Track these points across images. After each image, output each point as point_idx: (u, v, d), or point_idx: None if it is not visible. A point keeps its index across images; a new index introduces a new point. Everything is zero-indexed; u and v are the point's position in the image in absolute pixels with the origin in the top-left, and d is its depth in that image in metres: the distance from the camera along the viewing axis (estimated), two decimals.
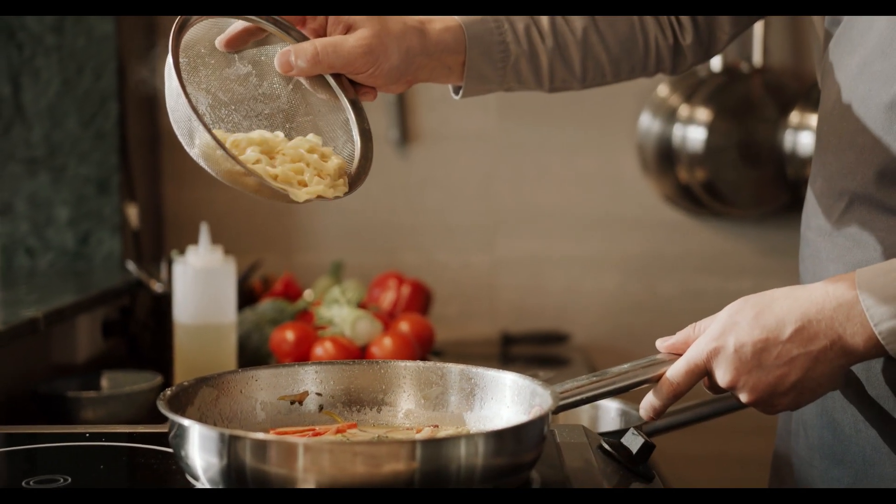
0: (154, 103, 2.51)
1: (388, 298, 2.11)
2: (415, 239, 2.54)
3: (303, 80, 1.13)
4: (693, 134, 2.44)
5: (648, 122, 2.50)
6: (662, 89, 2.49)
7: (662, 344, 1.13)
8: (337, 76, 1.13)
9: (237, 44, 1.10)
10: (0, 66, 2.16)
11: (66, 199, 2.19)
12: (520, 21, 1.21)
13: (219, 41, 1.09)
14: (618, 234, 2.56)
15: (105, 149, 2.20)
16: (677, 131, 2.45)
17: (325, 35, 1.12)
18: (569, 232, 2.56)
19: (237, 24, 1.10)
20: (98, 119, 2.19)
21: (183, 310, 1.72)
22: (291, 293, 2.16)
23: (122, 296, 2.05)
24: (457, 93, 1.24)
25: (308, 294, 2.14)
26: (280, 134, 1.09)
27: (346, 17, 1.11)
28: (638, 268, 2.56)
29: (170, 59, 1.03)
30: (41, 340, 1.80)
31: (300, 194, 1.05)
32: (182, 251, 1.90)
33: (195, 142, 1.02)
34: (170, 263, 1.91)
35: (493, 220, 2.56)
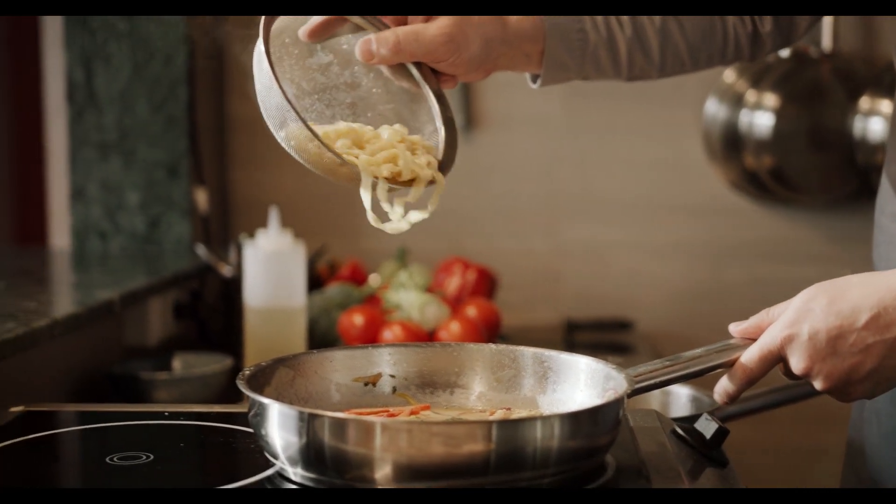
0: (222, 88, 2.54)
1: (453, 284, 2.11)
2: (478, 225, 2.55)
3: (384, 69, 1.14)
4: (760, 120, 2.42)
5: (715, 108, 2.48)
6: (729, 75, 2.46)
7: (735, 328, 1.12)
8: (418, 65, 1.14)
9: (320, 34, 1.11)
10: (73, 52, 2.20)
11: (136, 183, 2.23)
12: None
13: (302, 32, 1.10)
14: (683, 221, 2.54)
15: (175, 133, 2.23)
16: (744, 117, 2.43)
17: (405, 24, 1.13)
18: (633, 218, 2.55)
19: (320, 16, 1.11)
20: (168, 104, 2.22)
21: (253, 293, 1.74)
22: (358, 278, 2.18)
23: (191, 279, 2.08)
24: (534, 81, 1.24)
25: (374, 279, 2.15)
26: (369, 127, 1.09)
27: None
28: (703, 254, 2.55)
29: (261, 47, 1.03)
30: (116, 322, 1.83)
31: (399, 224, 1.07)
32: (250, 235, 1.92)
33: (287, 131, 1.03)
34: (239, 247, 1.93)
35: (557, 205, 2.56)
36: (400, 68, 1.14)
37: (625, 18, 1.21)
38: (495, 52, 1.16)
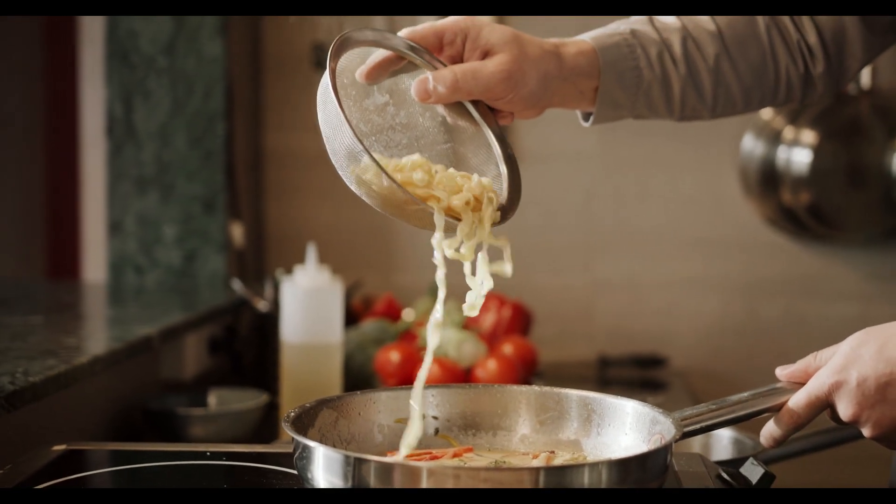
0: (259, 122, 2.55)
1: (488, 320, 2.11)
2: (514, 259, 2.53)
3: (440, 108, 1.13)
4: (798, 156, 2.40)
5: (752, 144, 2.47)
6: (766, 111, 2.46)
7: (783, 372, 1.11)
8: (475, 102, 1.13)
9: (377, 75, 1.10)
10: (113, 87, 2.22)
11: (173, 217, 2.24)
12: (652, 46, 1.20)
13: (359, 73, 1.09)
14: (718, 256, 2.53)
15: (212, 168, 2.24)
16: (781, 153, 2.42)
17: (461, 61, 1.12)
18: (668, 253, 2.54)
19: (378, 54, 1.10)
20: (206, 139, 2.23)
21: (291, 329, 1.74)
22: (392, 313, 2.18)
23: (226, 314, 2.08)
24: (586, 119, 1.23)
25: (408, 314, 2.15)
26: (440, 165, 1.08)
27: (484, 41, 1.11)
28: (739, 290, 2.53)
29: (328, 82, 1.02)
30: (153, 357, 1.84)
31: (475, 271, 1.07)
32: (285, 269, 1.92)
33: (358, 168, 1.01)
34: (275, 282, 1.93)
35: (592, 240, 2.55)
36: (457, 107, 1.13)
37: (679, 56, 1.21)
38: (552, 88, 1.15)
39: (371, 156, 0.99)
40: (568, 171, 2.54)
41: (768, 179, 2.45)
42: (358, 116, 1.06)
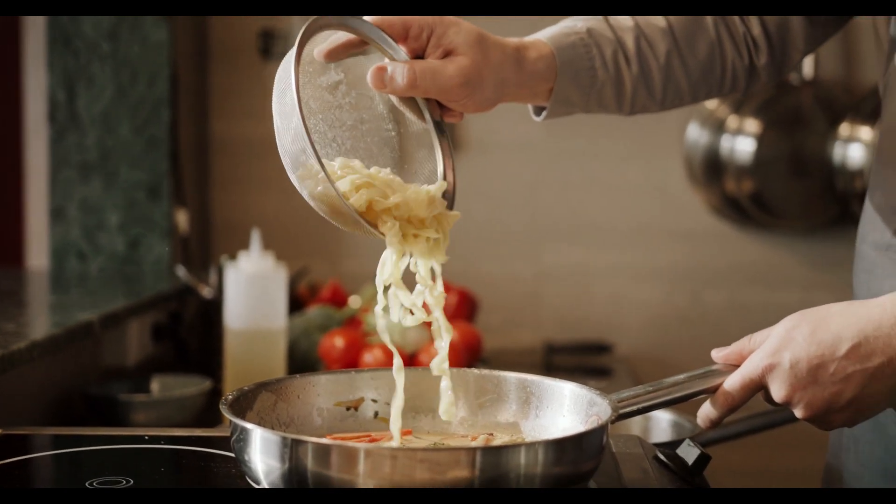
0: (205, 109, 2.54)
1: None
2: (460, 247, 2.54)
3: (393, 97, 1.12)
4: (741, 145, 2.43)
5: (696, 133, 2.49)
6: (711, 101, 2.48)
7: (718, 354, 1.13)
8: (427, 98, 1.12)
9: (338, 55, 1.09)
10: (56, 72, 2.19)
11: (117, 204, 2.22)
12: (608, 46, 1.21)
13: (318, 51, 1.08)
14: (664, 246, 2.55)
15: (156, 155, 2.22)
16: (725, 142, 2.45)
17: (422, 56, 1.11)
18: (614, 242, 2.56)
19: (342, 35, 1.09)
20: (151, 125, 2.21)
21: (234, 315, 1.73)
22: (338, 300, 2.17)
23: (171, 300, 2.07)
24: (538, 114, 1.24)
25: (354, 300, 2.15)
26: (389, 178, 1.06)
27: (448, 41, 1.09)
28: (683, 279, 2.55)
29: (291, 68, 0.99)
30: (94, 343, 1.82)
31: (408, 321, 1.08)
32: (229, 256, 1.91)
33: (303, 171, 1.00)
34: (219, 269, 1.92)
35: (538, 229, 2.57)
36: (408, 98, 1.12)
37: (632, 55, 1.22)
38: (507, 93, 1.15)
39: (326, 174, 0.98)
40: (514, 160, 2.55)
41: (712, 168, 2.47)
42: (310, 93, 1.05)
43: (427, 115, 1.12)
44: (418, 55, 1.11)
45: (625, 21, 1.23)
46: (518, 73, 1.15)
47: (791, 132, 2.43)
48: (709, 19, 1.25)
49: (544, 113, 1.22)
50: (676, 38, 1.24)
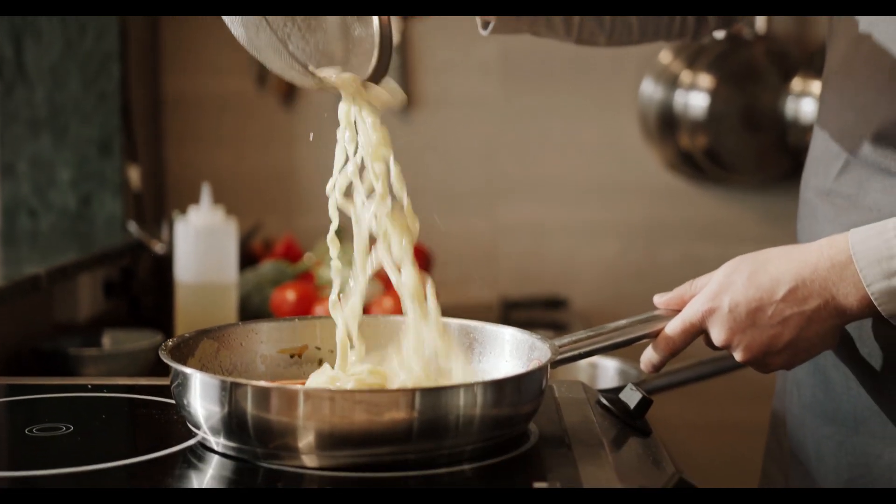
0: (156, 65, 2.51)
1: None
2: (415, 204, 2.53)
3: None
4: (695, 100, 2.44)
5: (651, 89, 2.49)
6: (665, 56, 2.48)
7: (660, 300, 1.14)
8: None
9: None
10: (2, 26, 2.16)
11: (67, 160, 2.20)
12: None
13: None
14: (619, 201, 2.56)
15: (107, 110, 2.20)
16: (679, 98, 2.45)
17: None
18: (570, 198, 2.57)
19: None
20: (100, 80, 2.19)
21: (184, 269, 1.73)
22: (292, 255, 2.17)
23: (123, 256, 2.05)
24: (485, 28, 1.23)
25: (309, 257, 2.14)
26: None
27: None
28: (638, 234, 2.57)
29: None
30: (43, 298, 1.81)
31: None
32: (184, 212, 1.90)
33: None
34: (171, 224, 1.91)
35: (494, 186, 2.57)
36: None
37: None
38: None
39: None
40: (470, 117, 2.55)
41: (667, 124, 2.48)
42: None
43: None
44: None
45: None
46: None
47: (744, 87, 2.44)
48: None
49: (491, 26, 1.22)
50: None
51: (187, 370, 0.95)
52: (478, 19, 1.24)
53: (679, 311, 1.11)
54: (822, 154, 1.20)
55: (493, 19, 1.21)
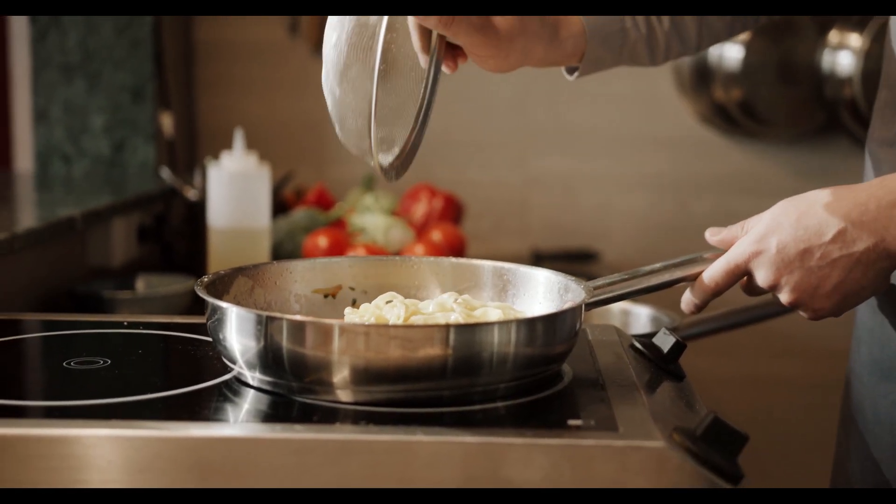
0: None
1: (419, 210, 2.11)
2: (447, 155, 2.54)
3: (412, 27, 1.10)
4: (730, 52, 2.41)
5: None
6: None
7: (713, 238, 1.13)
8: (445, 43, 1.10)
9: None
10: None
11: (101, 106, 2.20)
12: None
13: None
14: (651, 154, 2.55)
15: (140, 57, 2.20)
16: (714, 50, 2.43)
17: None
18: (602, 151, 2.55)
19: None
20: (133, 27, 2.19)
21: (217, 214, 1.73)
22: (324, 203, 2.17)
23: (156, 202, 2.06)
24: (571, 74, 1.25)
25: (340, 206, 2.15)
26: None
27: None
28: (671, 187, 2.55)
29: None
30: (78, 241, 1.82)
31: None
32: (216, 158, 1.91)
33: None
34: (204, 171, 1.92)
35: (526, 137, 2.56)
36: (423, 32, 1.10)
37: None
38: (530, 62, 1.17)
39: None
40: None
41: (701, 76, 2.46)
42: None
43: (433, 54, 1.09)
44: None
45: None
46: (546, 51, 1.17)
47: (780, 39, 2.41)
48: None
49: (576, 74, 1.24)
50: None
51: (224, 304, 0.95)
52: (563, 68, 1.25)
53: (721, 253, 1.11)
54: (887, 104, 1.19)
55: (578, 66, 1.22)
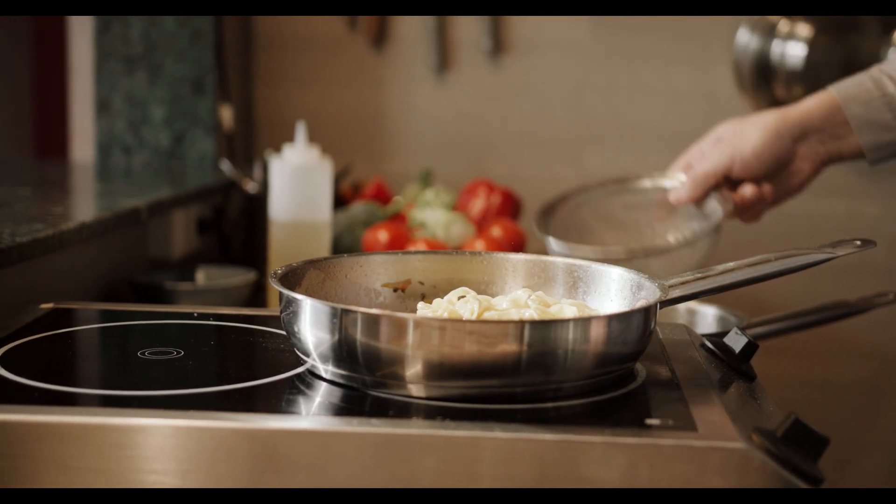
0: None
1: (477, 206, 2.11)
2: (503, 150, 2.53)
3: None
4: (792, 50, 2.39)
5: (746, 38, 2.44)
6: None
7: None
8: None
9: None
10: None
11: (162, 97, 2.22)
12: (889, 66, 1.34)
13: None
14: None
15: (201, 48, 2.21)
16: (776, 47, 2.40)
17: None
18: (659, 148, 2.53)
19: None
20: (195, 19, 2.20)
21: (279, 207, 1.73)
22: (382, 198, 2.17)
23: (215, 194, 2.07)
24: (874, 164, 1.42)
25: (398, 201, 2.15)
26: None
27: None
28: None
29: None
30: (141, 232, 1.83)
31: None
32: (276, 151, 1.91)
33: None
34: (264, 163, 1.92)
35: (582, 132, 2.54)
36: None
37: None
38: (820, 156, 1.43)
39: None
40: (560, 61, 2.52)
41: (762, 74, 2.43)
42: None
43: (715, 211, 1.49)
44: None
45: None
46: (819, 140, 1.43)
47: (843, 37, 2.38)
48: None
49: (869, 157, 1.41)
50: None
51: (299, 297, 0.95)
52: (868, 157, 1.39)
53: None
54: None
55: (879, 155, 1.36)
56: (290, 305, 0.97)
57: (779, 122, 1.45)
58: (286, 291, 0.97)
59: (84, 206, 1.74)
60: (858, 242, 1.14)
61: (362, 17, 2.47)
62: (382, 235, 1.81)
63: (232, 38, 2.36)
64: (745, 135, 1.46)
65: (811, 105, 1.42)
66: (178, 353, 1.02)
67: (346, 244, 1.92)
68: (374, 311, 0.92)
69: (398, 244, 1.79)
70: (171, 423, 0.84)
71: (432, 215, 1.85)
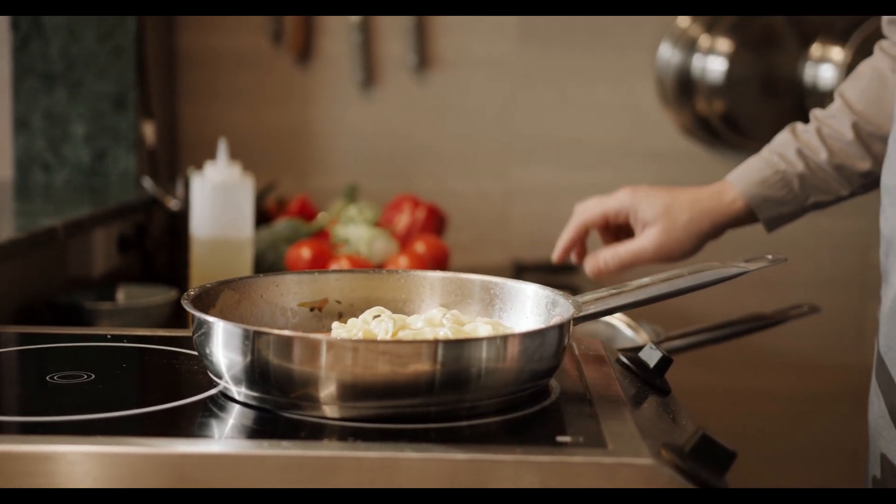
0: (171, 21, 2.50)
1: (402, 221, 2.11)
2: (430, 165, 2.54)
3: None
4: (713, 65, 2.42)
5: (668, 53, 2.48)
6: (683, 19, 2.46)
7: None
8: None
9: None
10: None
11: (82, 114, 2.19)
12: (788, 148, 1.35)
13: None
14: (634, 165, 2.55)
15: (122, 65, 2.19)
16: (697, 62, 2.44)
17: (624, 232, 1.46)
18: (585, 162, 2.55)
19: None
20: (116, 35, 2.18)
21: (200, 224, 1.72)
22: (307, 214, 2.16)
23: (137, 212, 2.05)
24: (770, 230, 1.40)
25: (323, 216, 2.14)
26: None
27: (642, 215, 1.39)
28: None
29: None
30: (58, 251, 1.81)
31: None
32: (198, 169, 1.90)
33: None
34: (186, 181, 1.91)
35: (508, 147, 2.56)
36: None
37: (816, 146, 1.35)
38: (710, 237, 1.40)
39: None
40: (485, 76, 2.53)
41: (684, 88, 2.46)
42: None
43: None
44: (620, 231, 1.45)
45: (815, 143, 1.35)
46: (713, 223, 1.38)
47: (763, 52, 2.42)
48: (886, 70, 1.32)
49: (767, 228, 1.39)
50: (860, 124, 1.33)
51: (211, 319, 0.95)
52: (763, 224, 1.38)
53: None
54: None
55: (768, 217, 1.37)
56: (201, 327, 0.96)
57: (707, 228, 1.40)
58: (197, 314, 0.96)
59: (0, 226, 1.71)
60: (770, 257, 1.16)
61: (288, 32, 2.46)
62: (305, 252, 1.80)
63: (154, 54, 2.34)
64: (676, 234, 1.39)
65: (726, 203, 1.40)
66: (89, 376, 1.01)
67: (269, 261, 1.91)
68: (286, 332, 0.92)
69: (321, 261, 1.78)
70: (78, 450, 0.82)
71: (355, 231, 1.85)
